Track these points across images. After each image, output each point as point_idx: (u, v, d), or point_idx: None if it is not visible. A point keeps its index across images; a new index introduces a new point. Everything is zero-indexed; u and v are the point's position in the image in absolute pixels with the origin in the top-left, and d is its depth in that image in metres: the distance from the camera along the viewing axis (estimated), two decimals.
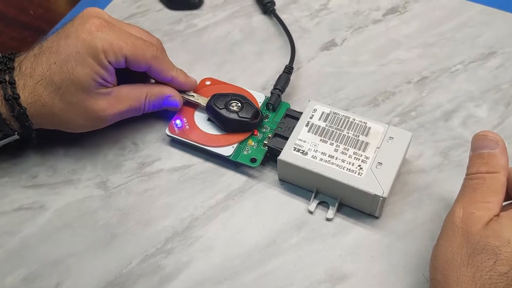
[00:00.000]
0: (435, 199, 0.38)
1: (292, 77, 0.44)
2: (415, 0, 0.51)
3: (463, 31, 0.48)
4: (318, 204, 0.38)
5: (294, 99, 0.44)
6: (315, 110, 0.39)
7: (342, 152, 0.37)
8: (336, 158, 0.36)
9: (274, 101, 0.41)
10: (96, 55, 0.35)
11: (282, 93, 0.42)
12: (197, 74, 0.45)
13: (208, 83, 0.44)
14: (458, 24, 0.48)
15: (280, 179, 0.39)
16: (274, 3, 0.50)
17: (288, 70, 0.44)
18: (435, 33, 0.48)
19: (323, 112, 0.39)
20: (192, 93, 0.42)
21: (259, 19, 0.50)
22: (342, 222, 0.37)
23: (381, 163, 0.36)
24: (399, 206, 0.37)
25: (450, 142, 0.41)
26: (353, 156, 0.36)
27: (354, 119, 0.38)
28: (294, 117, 0.40)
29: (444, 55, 0.46)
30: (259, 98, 0.42)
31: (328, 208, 0.37)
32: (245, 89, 0.43)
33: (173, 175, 0.40)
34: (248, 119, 0.39)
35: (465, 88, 0.44)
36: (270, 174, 0.40)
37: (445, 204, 0.37)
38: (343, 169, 0.36)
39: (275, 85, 0.42)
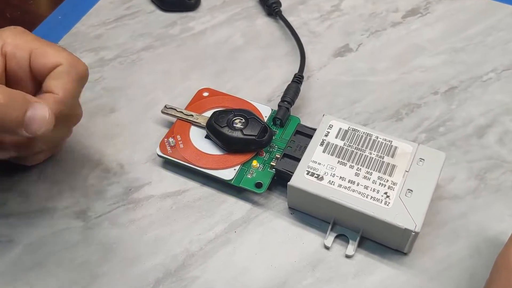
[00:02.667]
0: (472, 231, 0.32)
1: (302, 87, 0.38)
2: (438, 1, 0.45)
3: (493, 35, 0.42)
4: (336, 237, 0.32)
5: (304, 113, 0.38)
6: (330, 126, 0.34)
7: (365, 177, 0.31)
8: (358, 184, 0.31)
9: (282, 115, 0.36)
10: None
11: (291, 106, 0.37)
12: (193, 84, 0.40)
13: (205, 94, 0.38)
14: (487, 27, 0.43)
15: (290, 207, 0.34)
16: (280, 4, 0.44)
17: (298, 79, 0.38)
18: (462, 38, 0.42)
19: (340, 129, 0.33)
20: (191, 113, 0.36)
21: (263, 22, 0.45)
22: (364, 260, 0.31)
23: (412, 190, 0.30)
24: (431, 239, 0.32)
25: (486, 162, 0.35)
26: (378, 181, 0.31)
27: (377, 137, 0.33)
28: (306, 134, 0.34)
29: (473, 62, 0.41)
30: (265, 111, 0.37)
31: (347, 242, 0.32)
32: (248, 101, 0.37)
33: (164, 202, 0.34)
34: (254, 137, 0.34)
35: (499, 100, 0.38)
36: (278, 201, 0.34)
37: (485, 237, 0.32)
38: (367, 197, 0.30)
39: (283, 97, 0.37)
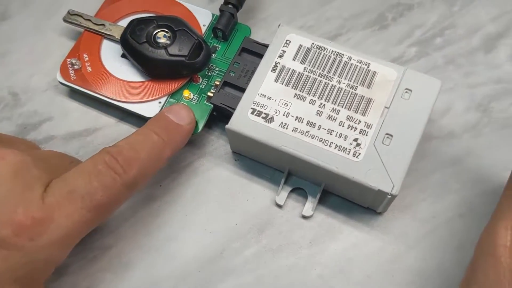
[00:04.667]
0: (467, 181, 0.25)
1: None
2: None
3: None
4: (291, 192, 0.25)
5: (257, 20, 0.29)
6: (288, 43, 0.25)
7: (329, 117, 0.23)
8: (320, 128, 0.23)
9: (225, 24, 0.26)
10: None
11: (238, 10, 0.27)
12: None
13: None
14: None
15: (233, 152, 0.26)
16: None
17: None
18: None
19: (300, 46, 0.24)
20: (102, 21, 0.27)
21: None
22: (325, 222, 0.24)
23: (391, 136, 0.22)
24: (413, 193, 0.25)
25: (492, 87, 0.27)
26: (347, 123, 0.23)
27: (350, 58, 0.24)
28: (255, 52, 0.26)
29: None
30: (203, 18, 0.27)
31: (306, 198, 0.24)
32: (182, 3, 0.28)
33: (70, 144, 0.26)
34: (183, 58, 0.25)
35: None
36: (219, 144, 0.26)
37: (481, 190, 0.25)
38: (330, 146, 0.22)
39: None
